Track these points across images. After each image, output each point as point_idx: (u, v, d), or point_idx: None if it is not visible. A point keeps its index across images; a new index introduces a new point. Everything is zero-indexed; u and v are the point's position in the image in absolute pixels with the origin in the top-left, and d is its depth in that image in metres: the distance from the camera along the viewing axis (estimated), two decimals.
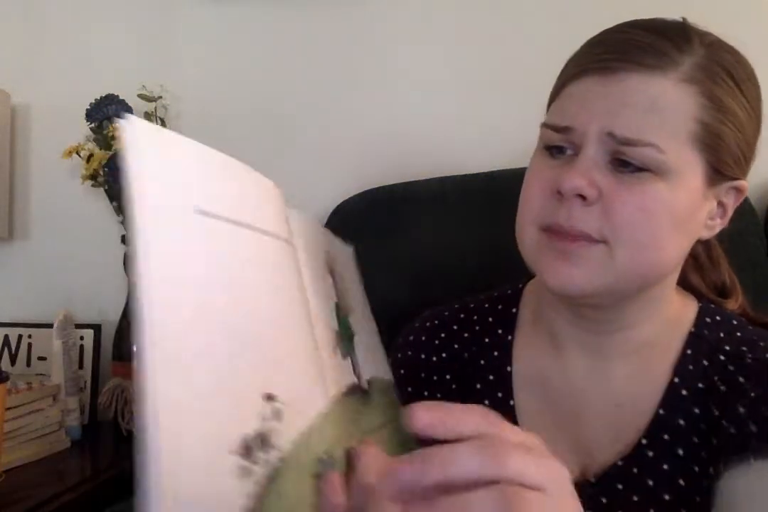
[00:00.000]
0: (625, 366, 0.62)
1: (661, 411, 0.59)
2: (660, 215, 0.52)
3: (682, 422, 0.58)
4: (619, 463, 0.59)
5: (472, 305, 0.73)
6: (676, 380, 0.60)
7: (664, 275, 0.57)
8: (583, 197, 0.52)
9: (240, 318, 0.35)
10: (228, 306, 0.34)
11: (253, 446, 0.33)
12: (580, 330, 0.62)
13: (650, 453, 0.59)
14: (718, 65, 0.53)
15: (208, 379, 0.31)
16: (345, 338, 0.49)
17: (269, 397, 0.36)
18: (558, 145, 0.55)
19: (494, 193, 0.99)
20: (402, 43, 1.20)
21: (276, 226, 0.41)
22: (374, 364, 0.54)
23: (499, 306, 0.71)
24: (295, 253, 0.43)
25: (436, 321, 0.73)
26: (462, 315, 0.72)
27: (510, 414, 0.64)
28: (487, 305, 0.72)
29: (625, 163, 0.52)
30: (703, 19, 0.56)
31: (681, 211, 0.53)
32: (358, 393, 0.49)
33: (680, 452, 0.58)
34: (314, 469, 0.40)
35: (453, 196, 1.02)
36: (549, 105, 0.60)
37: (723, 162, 0.54)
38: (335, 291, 0.49)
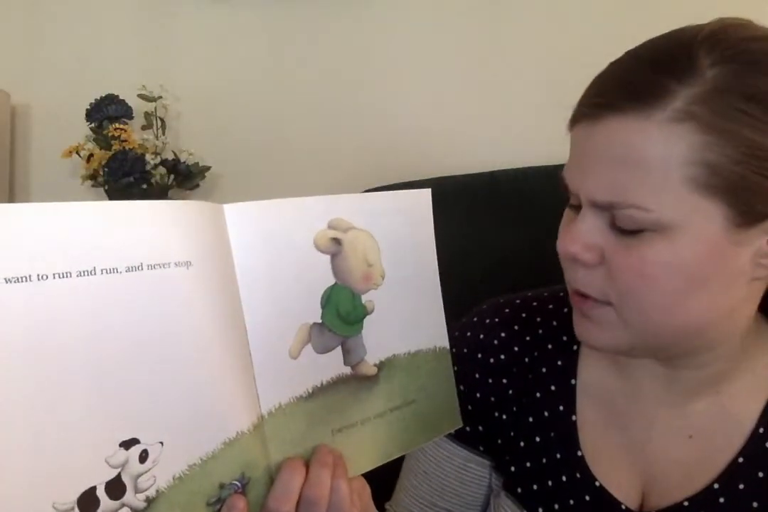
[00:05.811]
0: (701, 401, 0.57)
1: (740, 460, 0.55)
2: (663, 279, 0.47)
3: (761, 475, 0.54)
4: (685, 504, 0.55)
5: (535, 303, 0.66)
6: (761, 431, 0.55)
7: (700, 330, 0.51)
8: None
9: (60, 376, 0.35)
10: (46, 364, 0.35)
11: (96, 497, 0.36)
12: (646, 360, 0.57)
13: (721, 500, 0.54)
14: (736, 88, 0.43)
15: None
16: (339, 324, 0.48)
17: (130, 442, 0.37)
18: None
19: (494, 193, 0.99)
20: (402, 44, 1.20)
21: (155, 255, 0.38)
22: (409, 337, 0.52)
23: (565, 310, 0.63)
24: (211, 271, 0.41)
25: (497, 319, 0.66)
26: (524, 315, 0.65)
27: (570, 429, 0.60)
28: (551, 306, 0.65)
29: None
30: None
31: (695, 266, 0.47)
32: (344, 384, 0.48)
33: (755, 505, 0.54)
34: (212, 497, 0.41)
35: (453, 196, 1.02)
36: None
37: (752, 200, 0.45)
38: (334, 272, 0.47)
